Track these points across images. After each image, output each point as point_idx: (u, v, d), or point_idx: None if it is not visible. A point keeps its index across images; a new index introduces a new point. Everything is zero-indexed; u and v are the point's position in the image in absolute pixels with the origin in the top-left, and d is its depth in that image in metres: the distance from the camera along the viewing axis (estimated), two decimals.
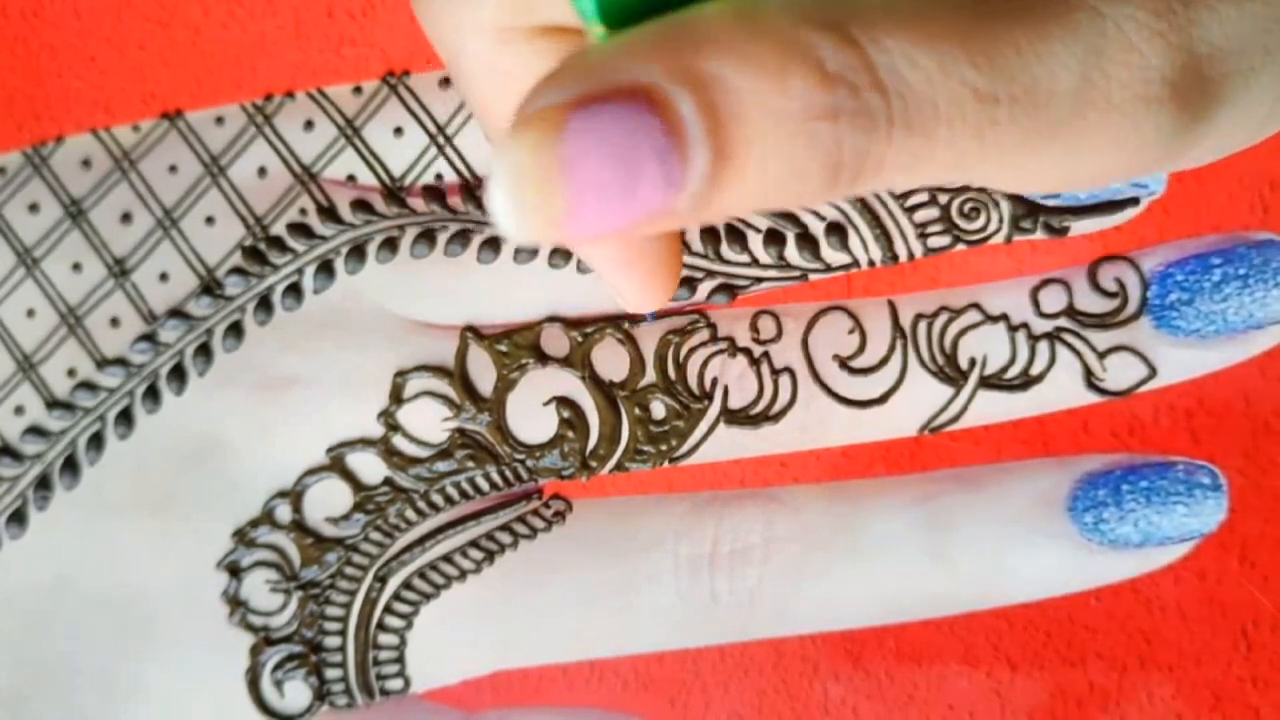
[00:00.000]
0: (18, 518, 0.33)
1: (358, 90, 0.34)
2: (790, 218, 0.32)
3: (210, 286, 0.33)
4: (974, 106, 0.18)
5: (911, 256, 0.32)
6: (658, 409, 0.32)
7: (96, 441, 0.33)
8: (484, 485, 0.33)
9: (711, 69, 0.17)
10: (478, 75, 0.23)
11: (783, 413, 0.32)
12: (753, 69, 0.17)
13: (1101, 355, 0.31)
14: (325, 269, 0.33)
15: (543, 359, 0.32)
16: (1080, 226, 0.32)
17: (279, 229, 0.33)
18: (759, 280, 0.33)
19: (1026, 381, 0.31)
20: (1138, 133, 0.20)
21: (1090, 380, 0.31)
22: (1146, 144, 0.20)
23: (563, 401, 0.32)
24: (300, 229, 0.33)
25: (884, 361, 0.32)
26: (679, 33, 0.17)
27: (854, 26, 0.17)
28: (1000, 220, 0.32)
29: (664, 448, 0.32)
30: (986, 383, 0.32)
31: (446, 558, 0.32)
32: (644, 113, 0.17)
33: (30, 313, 0.34)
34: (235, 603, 0.32)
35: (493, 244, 0.33)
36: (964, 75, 0.18)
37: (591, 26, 0.19)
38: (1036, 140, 0.19)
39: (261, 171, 0.34)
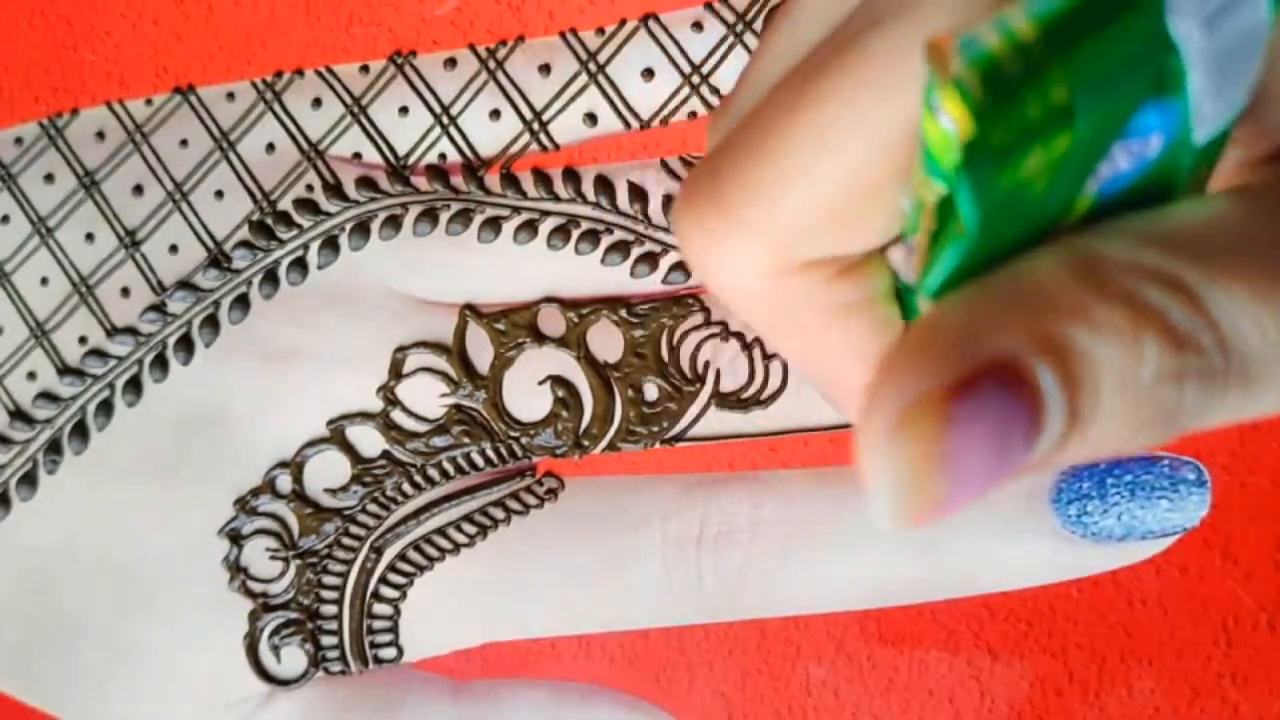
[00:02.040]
0: (28, 480, 0.33)
1: (365, 69, 0.34)
2: None
3: (218, 259, 0.34)
4: None
5: None
6: (650, 390, 0.33)
7: (105, 408, 0.33)
8: (479, 461, 0.33)
9: (1069, 337, 0.17)
10: (755, 308, 0.22)
11: (773, 397, 0.32)
12: (1108, 337, 0.17)
13: None
14: (330, 245, 0.33)
15: (539, 338, 0.33)
16: None
17: (286, 204, 0.34)
18: None
19: None
20: None
21: None
22: None
23: (558, 381, 0.33)
24: (306, 205, 0.33)
25: None
26: (1026, 298, 0.17)
27: (1196, 284, 0.17)
28: None
29: (656, 429, 0.33)
30: None
31: (441, 531, 0.33)
32: (1015, 389, 0.16)
33: (44, 281, 0.34)
34: (235, 569, 0.33)
35: (493, 224, 0.33)
36: None
37: (924, 297, 0.19)
38: None
39: (270, 147, 0.34)
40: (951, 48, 0.16)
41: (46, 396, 0.34)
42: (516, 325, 0.33)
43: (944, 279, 0.18)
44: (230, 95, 0.35)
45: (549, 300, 0.33)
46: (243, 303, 0.33)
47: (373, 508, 0.33)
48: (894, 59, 0.19)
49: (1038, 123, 0.16)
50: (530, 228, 0.33)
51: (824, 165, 0.19)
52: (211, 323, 0.33)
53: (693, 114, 0.33)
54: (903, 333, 0.20)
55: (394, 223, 0.33)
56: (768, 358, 0.32)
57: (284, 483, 0.33)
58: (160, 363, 0.33)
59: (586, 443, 0.33)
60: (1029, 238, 0.18)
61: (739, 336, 0.32)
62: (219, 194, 0.34)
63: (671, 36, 0.33)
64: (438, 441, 0.33)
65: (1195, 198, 0.19)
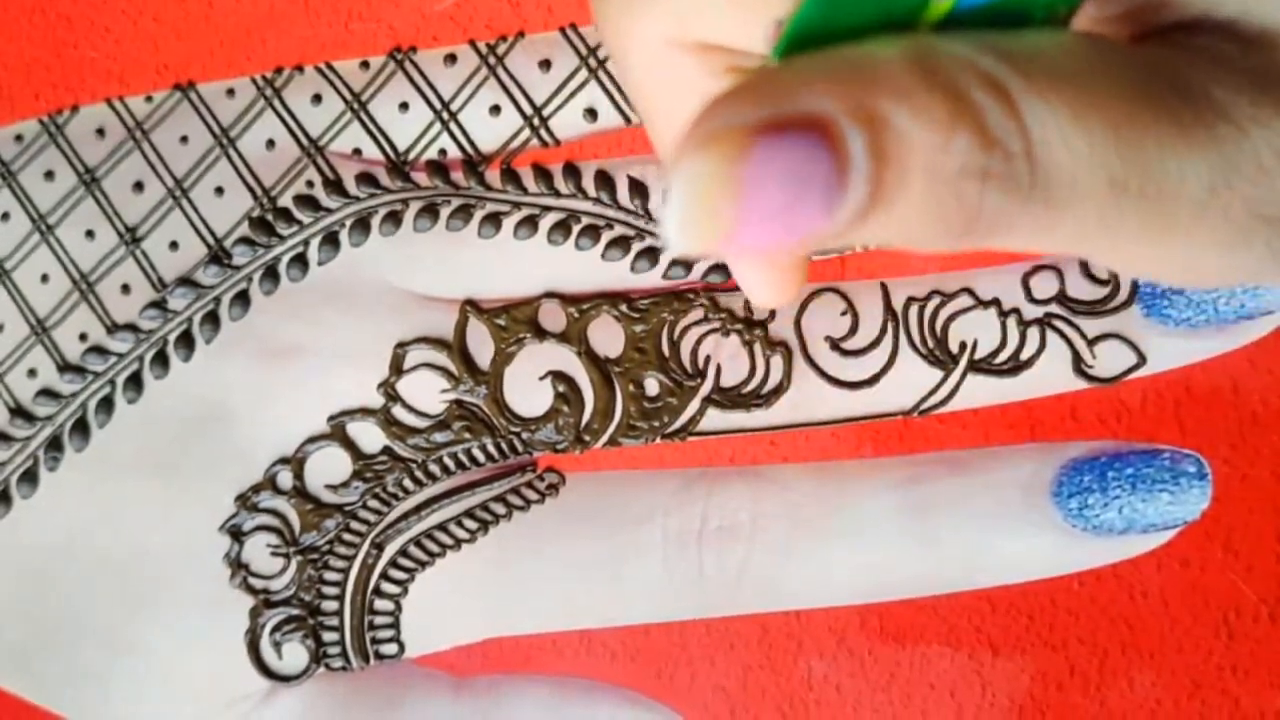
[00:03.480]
0: (29, 477, 0.33)
1: (365, 65, 0.34)
2: None
3: (218, 256, 0.34)
4: (1106, 192, 0.18)
5: None
6: (651, 385, 0.33)
7: (106, 405, 0.33)
8: (480, 457, 0.33)
9: (886, 112, 0.17)
10: (642, 80, 0.24)
11: (774, 392, 0.32)
12: (924, 120, 0.17)
13: (1091, 342, 0.31)
14: (330, 241, 0.33)
15: (540, 334, 0.33)
16: None
17: (286, 200, 0.34)
18: None
19: (1016, 367, 0.32)
20: (1248, 248, 0.20)
21: (1079, 367, 0.32)
22: (1254, 258, 0.20)
23: (558, 376, 0.33)
24: (307, 201, 0.33)
25: (875, 343, 0.32)
26: (857, 70, 0.18)
27: (1019, 93, 0.18)
28: None
29: (656, 424, 0.33)
30: (976, 367, 0.32)
31: (442, 527, 0.33)
32: (819, 145, 0.17)
33: (44, 278, 0.34)
34: (236, 565, 0.33)
35: (493, 219, 0.33)
36: (1106, 161, 0.18)
37: (771, 54, 0.19)
38: (1153, 234, 0.19)
39: (270, 144, 0.34)
40: None
41: (47, 394, 0.34)
42: (517, 321, 0.33)
43: (788, 41, 0.19)
44: (230, 92, 0.35)
45: (550, 295, 0.33)
46: (243, 299, 0.33)
47: (374, 504, 0.33)
48: None
49: None
50: (531, 223, 0.33)
51: None
52: (212, 319, 0.33)
53: None
54: None
55: (394, 219, 0.33)
56: (768, 352, 0.32)
57: (285, 479, 0.33)
58: (161, 359, 0.33)
59: (587, 438, 0.33)
60: (880, 25, 0.19)
61: (740, 332, 0.32)
62: (219, 190, 0.34)
63: None
64: (438, 437, 0.33)
65: (1044, 29, 0.19)
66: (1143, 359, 0.31)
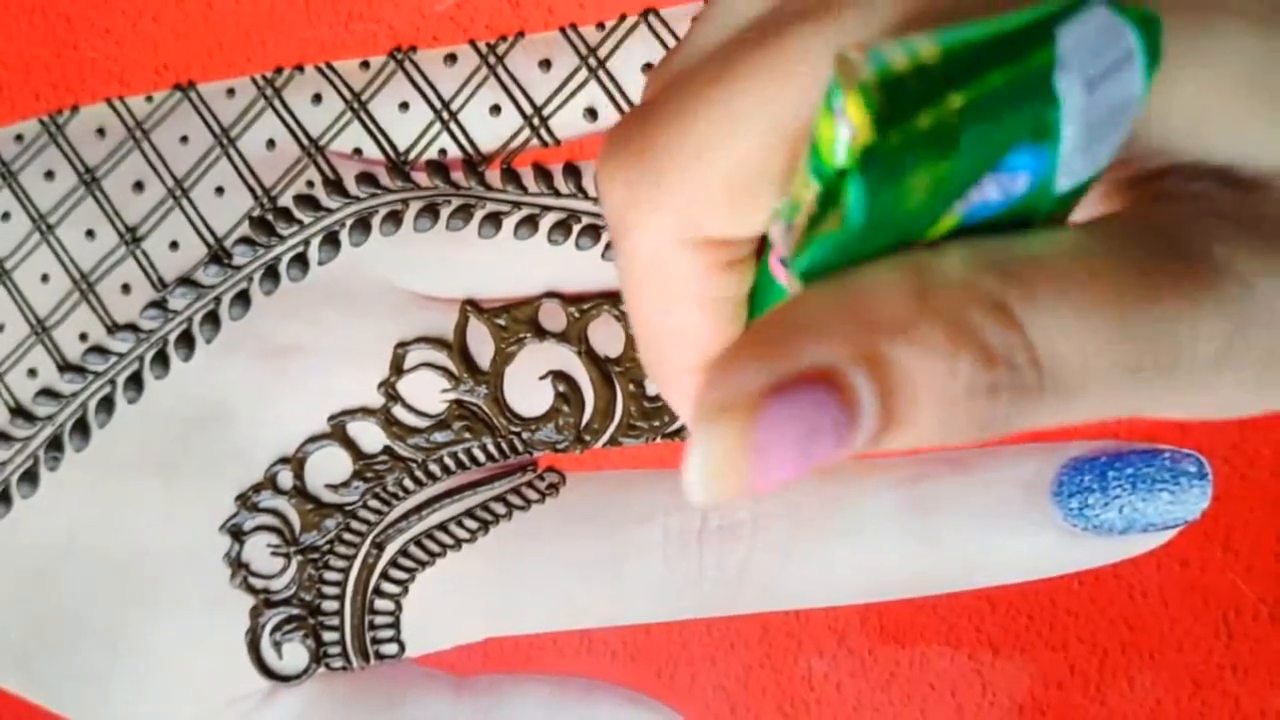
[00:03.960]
0: (29, 477, 0.33)
1: (365, 65, 0.34)
2: None
3: (219, 255, 0.34)
4: (1121, 377, 0.19)
5: None
6: (651, 385, 0.33)
7: (106, 405, 0.33)
8: (480, 456, 0.33)
9: (888, 352, 0.18)
10: (640, 272, 0.24)
11: None
12: (925, 353, 0.18)
13: None
14: (330, 241, 0.33)
15: (540, 334, 0.33)
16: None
17: (286, 200, 0.34)
18: None
19: None
20: (1277, 385, 0.20)
21: None
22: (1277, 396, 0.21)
23: (559, 376, 0.33)
24: (307, 201, 0.34)
25: None
26: (856, 309, 0.19)
27: (1018, 305, 0.18)
28: None
29: (656, 424, 0.33)
30: None
31: (442, 526, 0.33)
32: (826, 394, 0.18)
33: (44, 278, 0.34)
34: (237, 565, 0.33)
35: (494, 219, 0.33)
36: (1115, 348, 0.19)
37: (793, 273, 0.20)
38: (1176, 396, 0.20)
39: (270, 144, 0.34)
40: (861, 58, 0.17)
41: (47, 393, 0.34)
42: (517, 320, 0.33)
43: (812, 264, 0.19)
44: (230, 92, 0.35)
45: (550, 295, 0.33)
46: (243, 299, 0.33)
47: (374, 503, 0.33)
48: (807, 57, 0.20)
49: (928, 140, 0.17)
50: (531, 223, 0.33)
51: (727, 146, 0.21)
52: (212, 319, 0.33)
53: None
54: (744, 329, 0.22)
55: (395, 218, 0.33)
56: None
57: (285, 479, 0.33)
58: (161, 359, 0.33)
59: (588, 437, 0.33)
60: (893, 244, 0.19)
61: None
62: (219, 190, 0.34)
63: (671, 31, 0.33)
64: (439, 437, 0.33)
65: (1044, 230, 0.20)
66: None
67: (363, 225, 0.33)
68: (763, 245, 0.23)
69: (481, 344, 0.33)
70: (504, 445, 0.33)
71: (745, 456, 0.18)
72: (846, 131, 0.17)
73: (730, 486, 0.18)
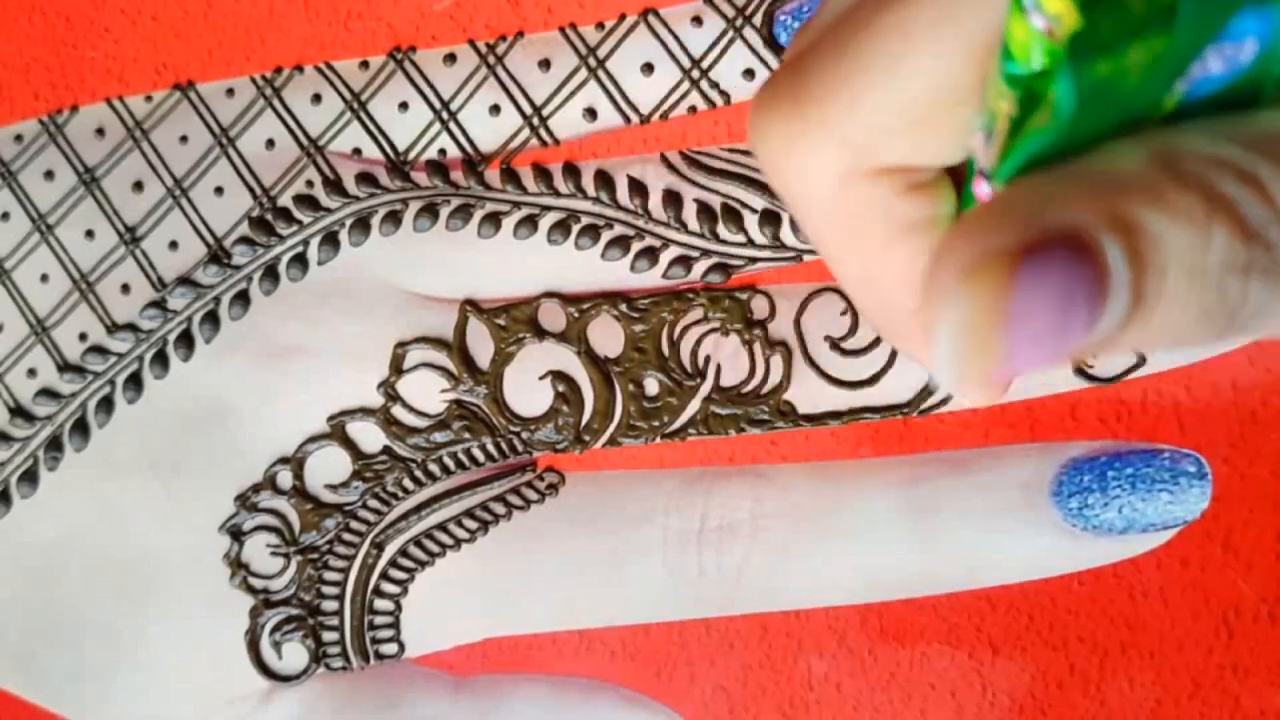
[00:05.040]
0: (29, 477, 0.33)
1: (364, 65, 0.34)
2: None
3: (218, 255, 0.34)
4: None
5: None
6: (651, 385, 0.33)
7: (106, 405, 0.33)
8: (480, 456, 0.33)
9: (1140, 217, 0.17)
10: (821, 216, 0.23)
11: (773, 392, 0.32)
12: (1179, 221, 0.17)
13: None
14: (330, 241, 0.33)
15: (540, 333, 0.33)
16: None
17: (286, 200, 0.34)
18: (754, 260, 0.33)
19: None
20: None
21: (1079, 366, 0.32)
22: None
23: (558, 376, 0.33)
24: (306, 200, 0.34)
25: (875, 343, 0.32)
26: (1102, 178, 0.17)
27: (1270, 179, 0.17)
28: None
29: (656, 424, 0.33)
30: None
31: (442, 527, 0.33)
32: (1080, 260, 0.17)
33: (44, 278, 0.34)
34: (236, 565, 0.33)
35: (493, 219, 0.33)
36: None
37: (997, 184, 0.19)
38: None
39: (270, 143, 0.34)
40: None
41: (47, 393, 0.34)
42: (517, 320, 0.33)
43: (1021, 164, 0.19)
44: (230, 91, 0.35)
45: (549, 295, 0.33)
46: (243, 299, 0.33)
47: (373, 503, 0.33)
48: None
49: (1139, 20, 0.17)
50: (530, 223, 0.33)
51: (910, 66, 0.20)
52: (212, 319, 0.33)
53: (692, 109, 0.33)
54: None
55: (394, 218, 0.33)
56: (768, 352, 0.32)
57: (285, 479, 0.33)
58: (161, 359, 0.33)
59: (587, 438, 0.33)
60: (1111, 132, 0.18)
61: (739, 332, 0.32)
62: (219, 190, 0.34)
63: (671, 31, 0.33)
64: (438, 437, 0.33)
65: (1276, 106, 0.19)
66: (1143, 359, 0.31)
67: (362, 225, 0.33)
68: (962, 174, 0.22)
69: (481, 344, 0.33)
70: (503, 445, 0.33)
71: (1000, 325, 0.17)
72: (1043, 23, 0.17)
73: (982, 365, 0.17)
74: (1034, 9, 0.17)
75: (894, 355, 0.32)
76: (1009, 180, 0.19)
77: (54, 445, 0.33)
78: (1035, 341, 0.17)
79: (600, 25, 0.33)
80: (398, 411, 0.33)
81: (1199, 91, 0.18)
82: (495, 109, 0.34)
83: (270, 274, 0.33)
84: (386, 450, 0.33)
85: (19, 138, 0.35)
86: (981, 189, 0.21)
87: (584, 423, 0.33)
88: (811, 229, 0.24)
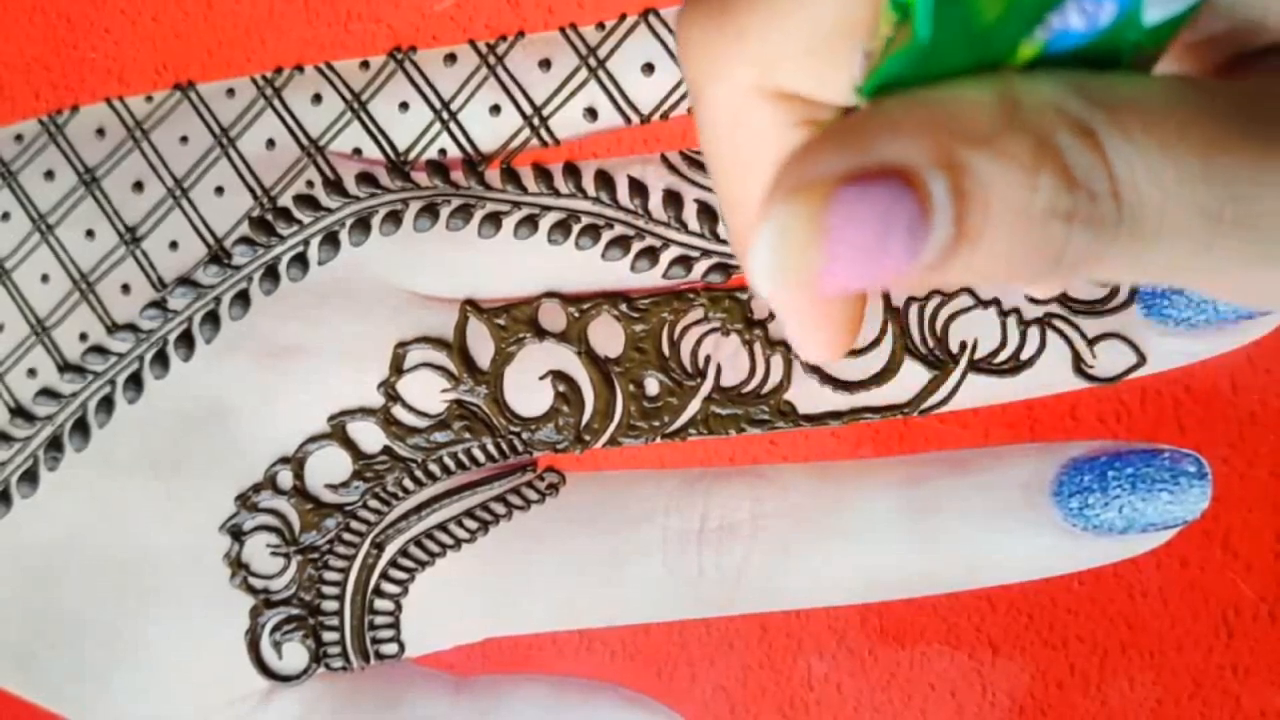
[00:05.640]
0: (29, 477, 0.33)
1: (365, 65, 0.34)
2: None
3: (219, 255, 0.34)
4: (1199, 223, 0.19)
5: None
6: (651, 385, 0.33)
7: (106, 405, 0.33)
8: (480, 456, 0.33)
9: (968, 159, 0.18)
10: (721, 126, 0.24)
11: (773, 392, 0.32)
12: (1007, 165, 0.18)
13: (1091, 342, 0.31)
14: (330, 240, 0.33)
15: (540, 333, 0.33)
16: None
17: (286, 200, 0.34)
18: None
19: (1016, 366, 0.32)
20: None
21: (1079, 366, 0.32)
22: None
23: (558, 376, 0.33)
24: (307, 201, 0.34)
25: (875, 343, 0.32)
26: (940, 116, 0.18)
27: (1104, 131, 0.18)
28: None
29: (656, 424, 0.33)
30: (976, 367, 0.32)
31: (442, 527, 0.33)
32: (902, 190, 0.18)
33: (44, 278, 0.34)
34: (237, 565, 0.33)
35: (493, 219, 0.33)
36: (1196, 193, 0.18)
37: (861, 98, 0.20)
38: (1252, 261, 0.19)
39: (270, 143, 0.34)
40: None
41: (47, 393, 0.34)
42: (517, 320, 0.33)
43: (880, 82, 0.19)
44: (230, 92, 0.35)
45: (550, 295, 0.33)
46: (243, 299, 0.33)
47: (374, 503, 0.33)
48: None
49: None
50: (531, 223, 0.33)
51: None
52: (212, 319, 0.33)
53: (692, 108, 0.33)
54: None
55: (394, 218, 0.33)
56: (769, 352, 0.32)
57: (285, 479, 0.33)
58: (161, 359, 0.33)
59: (587, 438, 0.33)
60: (970, 67, 0.19)
61: (740, 331, 0.32)
62: (219, 190, 0.34)
63: (671, 31, 0.33)
64: (439, 437, 0.33)
65: (1133, 73, 0.20)
66: (1143, 359, 0.31)
67: (362, 225, 0.33)
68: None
69: (481, 344, 0.33)
70: (504, 445, 0.33)
71: (816, 240, 0.18)
72: None
73: (797, 272, 0.18)
74: None
75: (894, 355, 0.32)
76: (870, 96, 0.20)
77: (54, 445, 0.33)
78: (852, 259, 0.18)
79: (600, 25, 0.33)
80: (398, 411, 0.33)
81: (1059, 44, 0.19)
82: (495, 109, 0.34)
83: (270, 274, 0.33)
84: (387, 450, 0.33)
85: (19, 138, 0.35)
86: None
87: (584, 423, 0.33)
88: (709, 141, 0.24)
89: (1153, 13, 0.19)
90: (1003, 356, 0.32)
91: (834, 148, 0.18)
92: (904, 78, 0.19)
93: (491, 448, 0.33)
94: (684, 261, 0.33)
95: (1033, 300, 0.32)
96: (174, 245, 0.34)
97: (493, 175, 0.34)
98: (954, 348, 0.32)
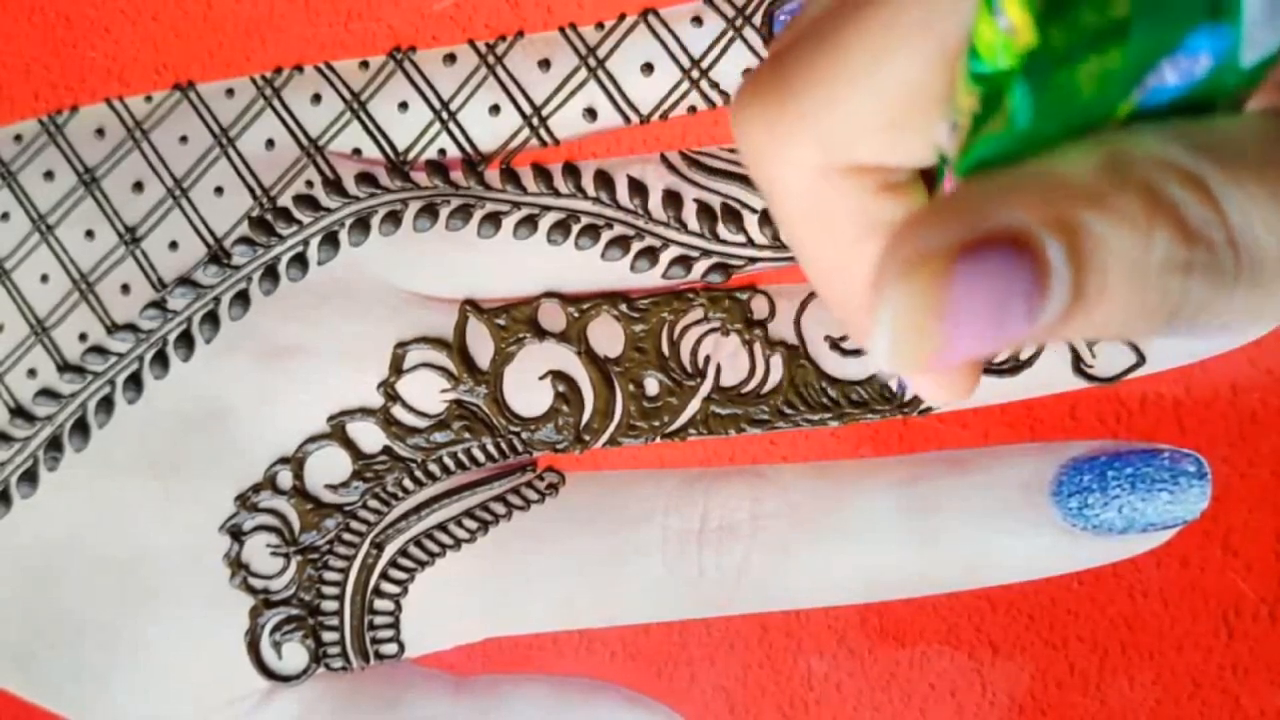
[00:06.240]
0: (29, 477, 0.33)
1: (364, 65, 0.34)
2: None
3: (218, 255, 0.34)
4: None
5: None
6: (651, 385, 0.33)
7: (106, 405, 0.33)
8: (480, 456, 0.33)
9: (1082, 219, 0.18)
10: (796, 208, 0.23)
11: (774, 392, 0.32)
12: (1121, 223, 0.18)
13: (1091, 342, 0.32)
14: (330, 241, 0.33)
15: (540, 333, 0.33)
16: None
17: (286, 200, 0.34)
18: (754, 260, 0.33)
19: (1015, 366, 0.32)
20: None
21: (1079, 366, 0.32)
22: None
23: (558, 376, 0.33)
24: (306, 201, 0.34)
25: None
26: (1049, 181, 0.18)
27: (1215, 182, 0.18)
28: None
29: (656, 423, 0.33)
30: None
31: (442, 527, 0.33)
32: (1018, 257, 0.17)
33: (44, 278, 0.34)
34: (236, 565, 0.33)
35: (493, 219, 0.33)
36: None
37: (957, 175, 0.20)
38: None
39: (270, 143, 0.34)
40: None
41: (47, 394, 0.34)
42: (517, 320, 0.33)
43: (977, 161, 0.19)
44: (230, 92, 0.35)
45: (549, 295, 0.33)
46: (243, 299, 0.33)
47: (373, 503, 0.33)
48: None
49: (1093, 34, 0.17)
50: (530, 223, 0.33)
51: (888, 68, 0.21)
52: (212, 319, 0.33)
53: (692, 109, 0.33)
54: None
55: (394, 218, 0.33)
56: (769, 352, 0.32)
57: (285, 479, 0.33)
58: (161, 359, 0.33)
59: (587, 437, 0.33)
60: (1067, 135, 0.19)
61: (740, 331, 0.32)
62: (219, 190, 0.34)
63: (671, 31, 0.33)
64: (438, 437, 0.33)
65: (1231, 113, 0.19)
66: (1142, 359, 0.31)
67: (362, 225, 0.33)
68: (933, 177, 0.23)
69: (481, 344, 0.33)
70: (503, 445, 0.33)
71: (937, 316, 0.18)
72: (1007, 25, 0.17)
73: (919, 351, 0.18)
74: (1000, 11, 0.17)
75: None
76: (966, 175, 0.20)
77: (54, 445, 0.33)
78: (973, 330, 0.18)
79: (600, 25, 0.33)
80: (398, 411, 0.33)
81: (1154, 99, 0.19)
82: (495, 109, 0.34)
83: (270, 274, 0.33)
84: (386, 450, 0.33)
85: (19, 138, 0.35)
86: (950, 186, 0.21)
87: (584, 423, 0.33)
88: (785, 222, 0.24)
89: (1250, 54, 0.19)
90: (1002, 356, 0.32)
91: (942, 221, 0.18)
92: (1000, 157, 0.19)
93: (491, 448, 0.33)
94: (683, 261, 0.33)
95: None
96: (174, 245, 0.34)
97: (492, 175, 0.34)
98: None
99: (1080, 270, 0.18)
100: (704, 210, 0.33)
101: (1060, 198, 0.18)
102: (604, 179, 0.33)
